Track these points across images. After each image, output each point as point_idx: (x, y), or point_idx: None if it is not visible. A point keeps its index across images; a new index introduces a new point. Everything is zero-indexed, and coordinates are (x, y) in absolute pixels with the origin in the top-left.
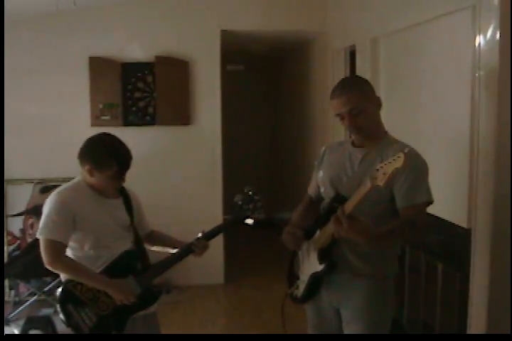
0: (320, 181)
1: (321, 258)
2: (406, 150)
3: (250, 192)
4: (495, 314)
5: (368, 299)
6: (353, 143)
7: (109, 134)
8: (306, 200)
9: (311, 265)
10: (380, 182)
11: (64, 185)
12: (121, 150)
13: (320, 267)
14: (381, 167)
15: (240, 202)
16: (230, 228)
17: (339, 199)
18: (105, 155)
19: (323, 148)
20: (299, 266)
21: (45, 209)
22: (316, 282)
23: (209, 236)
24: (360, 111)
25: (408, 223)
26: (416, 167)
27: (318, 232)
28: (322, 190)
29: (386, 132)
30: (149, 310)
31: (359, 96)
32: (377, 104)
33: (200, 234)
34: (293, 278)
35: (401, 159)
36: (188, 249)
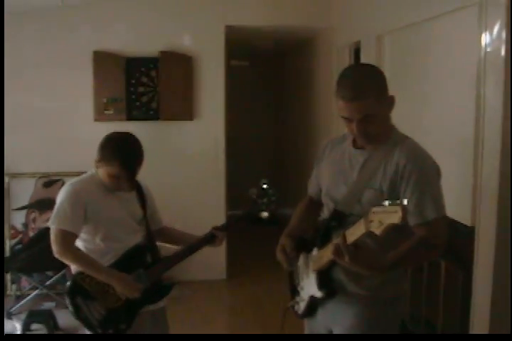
0: (320, 186)
1: (320, 284)
2: (405, 203)
3: (265, 186)
4: (498, 312)
5: (361, 325)
6: (354, 142)
7: (128, 134)
8: (306, 200)
9: (310, 285)
10: (376, 230)
11: (78, 177)
12: (128, 152)
13: (319, 293)
14: (377, 212)
15: (254, 196)
16: (245, 221)
17: (337, 216)
18: (110, 153)
19: (325, 144)
20: (298, 279)
21: (58, 200)
22: (315, 304)
23: (225, 227)
24: (373, 117)
25: (423, 244)
26: (421, 176)
27: (315, 250)
28: (322, 197)
29: (393, 127)
30: (158, 305)
31: (375, 101)
32: (391, 104)
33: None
34: (294, 289)
35: (398, 215)
36: (209, 237)
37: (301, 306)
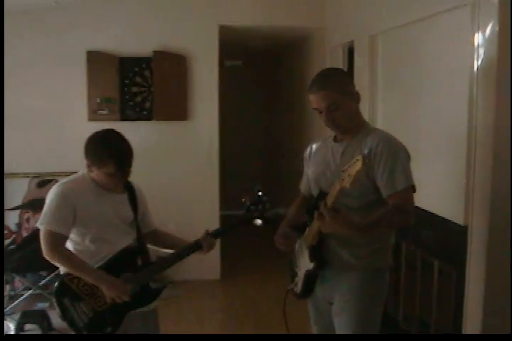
0: (309, 179)
1: (311, 256)
2: (365, 152)
3: (260, 193)
4: (490, 311)
5: (355, 292)
6: (335, 138)
7: (112, 131)
8: (299, 198)
9: (304, 262)
10: (347, 183)
11: (68, 177)
12: (119, 148)
13: (310, 265)
14: (346, 169)
15: (248, 203)
16: (238, 228)
17: (322, 196)
18: (102, 153)
19: (309, 147)
20: (296, 262)
21: (47, 200)
22: (311, 279)
23: (216, 234)
24: (337, 107)
25: (395, 209)
26: (391, 154)
27: (307, 230)
28: (311, 187)
29: (364, 122)
30: (149, 307)
31: (337, 92)
32: (356, 98)
33: (204, 232)
34: (293, 274)
35: (359, 162)
36: (195, 246)
37: (299, 285)
